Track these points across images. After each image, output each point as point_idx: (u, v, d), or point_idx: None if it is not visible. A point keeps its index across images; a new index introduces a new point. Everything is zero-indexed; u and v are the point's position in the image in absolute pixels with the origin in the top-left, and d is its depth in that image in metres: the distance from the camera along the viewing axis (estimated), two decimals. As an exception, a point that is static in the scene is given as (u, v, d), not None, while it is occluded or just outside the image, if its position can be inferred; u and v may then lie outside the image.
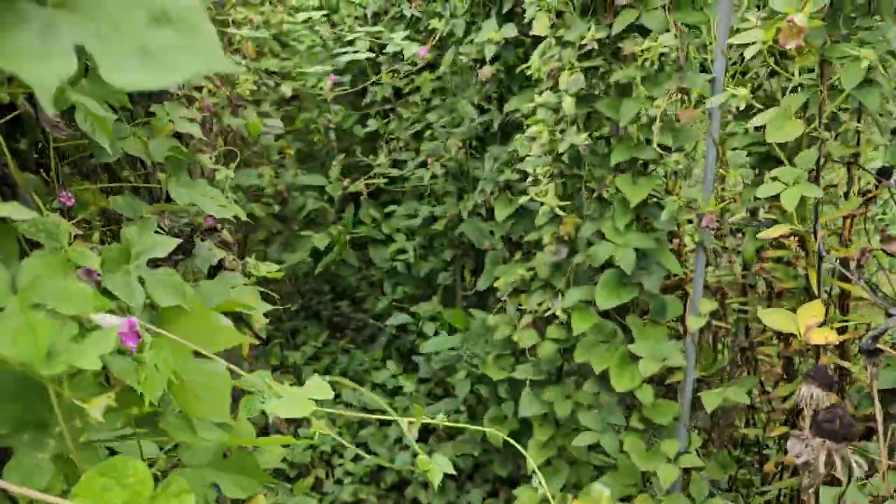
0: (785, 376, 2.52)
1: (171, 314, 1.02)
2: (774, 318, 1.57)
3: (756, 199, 2.20)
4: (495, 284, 2.82)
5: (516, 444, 1.33)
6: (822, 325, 1.61)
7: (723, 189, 2.24)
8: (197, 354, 1.04)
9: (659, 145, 2.09)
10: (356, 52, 2.84)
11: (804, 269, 2.27)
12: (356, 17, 3.23)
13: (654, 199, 2.21)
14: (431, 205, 3.90)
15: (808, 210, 1.74)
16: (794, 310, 2.29)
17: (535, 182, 2.23)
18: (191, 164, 2.18)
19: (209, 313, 1.02)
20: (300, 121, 3.97)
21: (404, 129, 3.74)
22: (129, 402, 0.87)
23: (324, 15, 3.24)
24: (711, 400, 2.02)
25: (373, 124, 3.37)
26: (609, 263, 2.20)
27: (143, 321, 1.00)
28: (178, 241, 1.07)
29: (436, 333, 3.70)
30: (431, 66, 3.46)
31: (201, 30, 0.66)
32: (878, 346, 1.33)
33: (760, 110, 2.17)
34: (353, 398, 3.72)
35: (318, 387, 0.94)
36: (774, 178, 1.52)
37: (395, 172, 3.85)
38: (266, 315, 4.20)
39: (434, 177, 3.52)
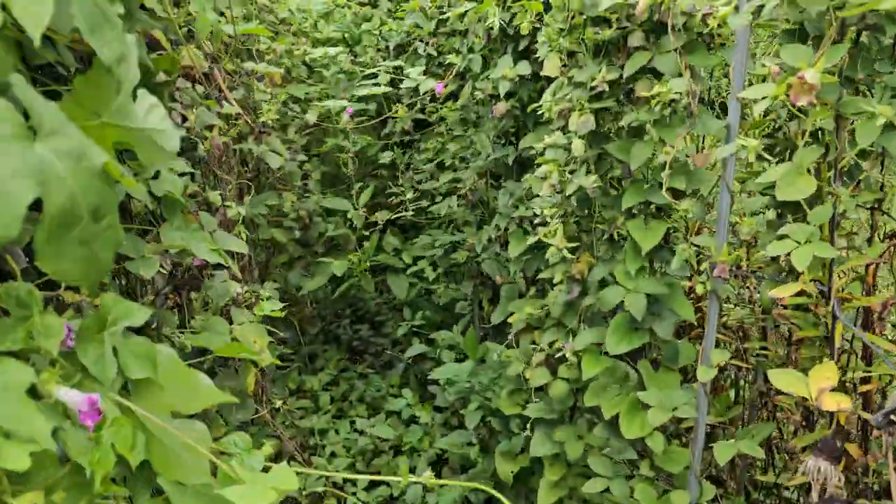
0: (804, 423, 2.43)
1: (141, 384, 0.99)
2: (785, 381, 1.49)
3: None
4: (509, 320, 2.77)
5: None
6: (837, 386, 1.53)
7: (733, 228, 2.17)
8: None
9: (672, 189, 2.03)
10: (376, 84, 2.82)
11: (825, 316, 2.18)
12: (378, 50, 3.22)
13: (668, 245, 2.14)
14: (452, 233, 3.86)
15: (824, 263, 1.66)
16: (814, 359, 2.22)
17: (544, 223, 2.18)
18: (197, 200, 2.18)
19: (189, 374, 0.99)
20: (325, 146, 3.97)
21: (426, 160, 3.71)
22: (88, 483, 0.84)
23: (347, 46, 3.23)
24: (724, 452, 1.95)
25: (389, 156, 3.35)
26: (620, 307, 2.14)
27: (117, 388, 0.98)
28: (149, 311, 1.03)
29: (457, 361, 3.65)
30: (454, 95, 3.44)
31: None
32: (893, 418, 1.25)
33: (781, 152, 2.10)
34: (367, 425, 3.68)
35: (284, 475, 0.90)
36: (785, 236, 1.45)
37: (419, 203, 3.82)
38: (283, 340, 4.18)
39: (457, 207, 3.48)
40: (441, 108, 3.51)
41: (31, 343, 0.88)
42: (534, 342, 2.68)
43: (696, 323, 2.15)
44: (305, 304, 4.60)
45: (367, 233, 4.09)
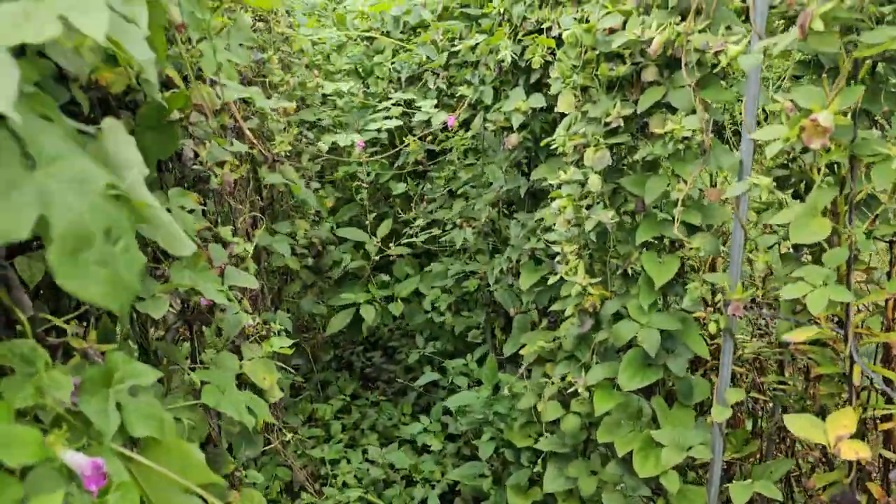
0: (823, 460, 2.38)
1: (148, 442, 0.98)
2: (801, 426, 1.46)
3: (790, 274, 2.10)
4: (521, 352, 2.74)
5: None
6: (857, 426, 1.50)
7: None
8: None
9: (685, 223, 2.00)
10: (388, 117, 2.82)
11: (843, 351, 2.14)
12: (390, 81, 3.23)
13: (683, 280, 2.11)
14: (465, 262, 3.85)
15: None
16: (832, 395, 2.18)
17: (563, 259, 2.16)
18: (209, 231, 2.17)
19: (185, 448, 0.98)
20: (338, 174, 3.97)
21: (438, 189, 3.71)
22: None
23: (359, 77, 3.24)
24: (741, 494, 1.90)
25: (402, 187, 3.35)
26: (633, 342, 2.11)
27: (117, 445, 0.96)
28: (158, 374, 1.02)
29: (469, 387, 3.62)
30: (465, 123, 3.44)
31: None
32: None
33: (796, 183, 2.08)
34: (379, 455, 3.65)
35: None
36: (800, 279, 1.42)
37: (431, 231, 3.81)
38: (296, 367, 4.15)
39: (469, 237, 3.47)
40: (453, 138, 3.50)
41: (39, 400, 0.87)
42: (546, 374, 2.66)
43: (709, 359, 2.12)
44: (318, 330, 4.59)
45: (377, 258, 4.08)
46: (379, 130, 2.80)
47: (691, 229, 2.02)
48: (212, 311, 2.07)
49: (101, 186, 0.82)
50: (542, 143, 2.25)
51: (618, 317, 2.24)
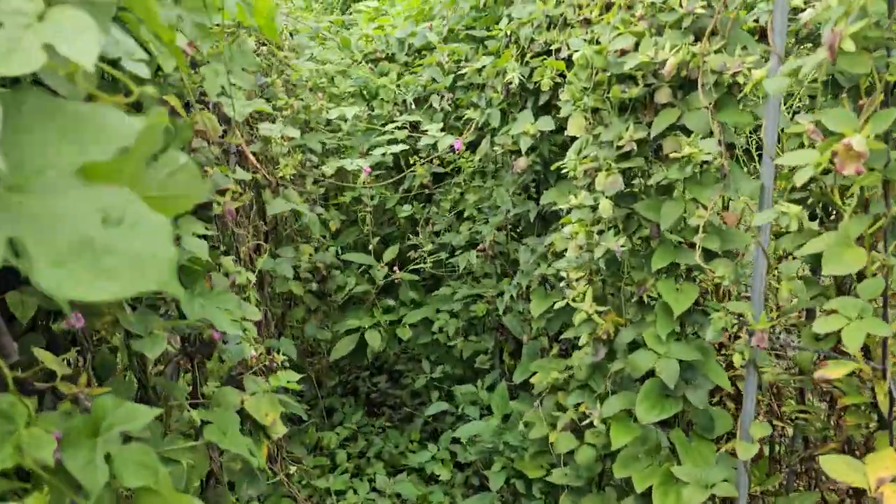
0: (851, 493, 2.28)
1: (141, 493, 0.90)
2: (838, 469, 1.37)
3: (814, 297, 2.02)
4: (531, 381, 2.66)
5: None
6: None
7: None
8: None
9: (704, 250, 1.93)
10: (393, 141, 2.76)
11: (870, 380, 2.05)
12: (395, 104, 3.17)
13: (701, 307, 2.03)
14: (472, 286, 3.77)
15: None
16: (860, 427, 2.08)
17: (571, 285, 2.08)
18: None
19: (182, 499, 0.90)
20: (343, 198, 3.91)
21: (445, 212, 3.64)
22: None
23: (364, 100, 3.18)
24: (766, 531, 1.81)
25: (408, 210, 3.27)
26: (651, 372, 2.03)
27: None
28: (159, 411, 0.94)
29: (481, 416, 3.53)
30: (472, 145, 3.38)
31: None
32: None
33: (814, 203, 2.00)
34: (386, 485, 3.55)
35: None
36: (833, 311, 1.34)
37: (438, 255, 3.75)
38: (301, 393, 4.06)
39: (476, 259, 3.40)
40: (459, 160, 3.44)
41: (19, 460, 0.79)
42: (559, 404, 2.57)
43: (731, 391, 2.03)
44: (323, 354, 4.51)
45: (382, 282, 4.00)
46: (384, 154, 2.73)
47: (709, 255, 1.94)
48: (213, 343, 2.00)
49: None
50: (552, 168, 2.18)
51: (633, 346, 2.16)
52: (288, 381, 2.02)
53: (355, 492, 3.55)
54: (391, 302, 4.08)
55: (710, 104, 1.72)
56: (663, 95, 1.92)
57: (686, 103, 1.89)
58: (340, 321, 4.03)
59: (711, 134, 1.74)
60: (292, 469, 2.78)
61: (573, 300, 2.05)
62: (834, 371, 1.42)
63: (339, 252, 4.11)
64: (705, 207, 1.70)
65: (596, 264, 2.08)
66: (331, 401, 4.44)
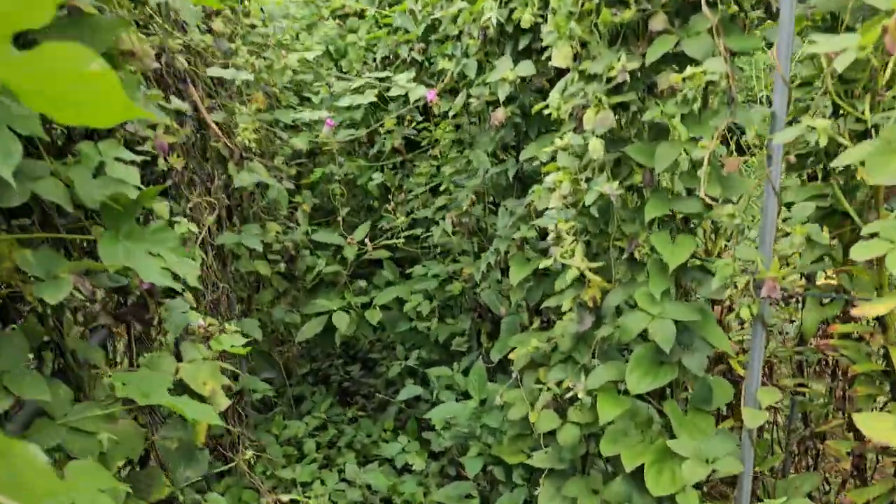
0: (855, 473, 2.05)
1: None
2: (876, 428, 1.13)
3: (815, 262, 1.78)
4: (510, 356, 2.40)
5: None
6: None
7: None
8: None
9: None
10: (357, 92, 2.49)
11: (882, 347, 1.82)
12: (365, 63, 2.91)
13: (697, 262, 1.79)
14: (448, 264, 3.51)
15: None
16: (871, 398, 1.85)
17: (558, 240, 1.83)
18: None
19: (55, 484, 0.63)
20: (314, 175, 3.63)
21: (422, 184, 3.38)
22: None
23: (332, 60, 2.92)
24: (773, 515, 1.56)
25: (380, 178, 3.01)
26: (643, 337, 1.78)
27: None
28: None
29: (457, 402, 3.27)
30: (449, 115, 3.13)
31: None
32: None
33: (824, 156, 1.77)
34: (356, 475, 3.27)
35: None
36: (873, 235, 1.10)
37: (413, 231, 3.49)
38: (269, 381, 3.78)
39: (451, 233, 3.14)
40: (435, 129, 3.19)
41: None
42: (539, 381, 2.32)
43: (730, 354, 1.79)
44: (293, 342, 4.23)
45: (355, 263, 3.73)
46: (349, 108, 2.47)
47: (707, 206, 1.70)
48: (146, 306, 1.72)
49: None
50: (533, 110, 1.93)
51: (620, 312, 1.92)
52: (232, 346, 1.75)
53: (323, 483, 3.27)
54: (363, 283, 3.82)
55: (716, 21, 1.47)
56: (658, 22, 1.67)
57: (685, 30, 1.65)
58: (309, 304, 3.75)
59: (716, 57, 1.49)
60: (248, 454, 2.49)
61: (561, 257, 1.80)
62: (874, 308, 1.17)
63: (310, 232, 3.84)
64: (712, 139, 1.45)
65: (581, 221, 1.82)
66: (301, 389, 4.16)
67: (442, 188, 3.29)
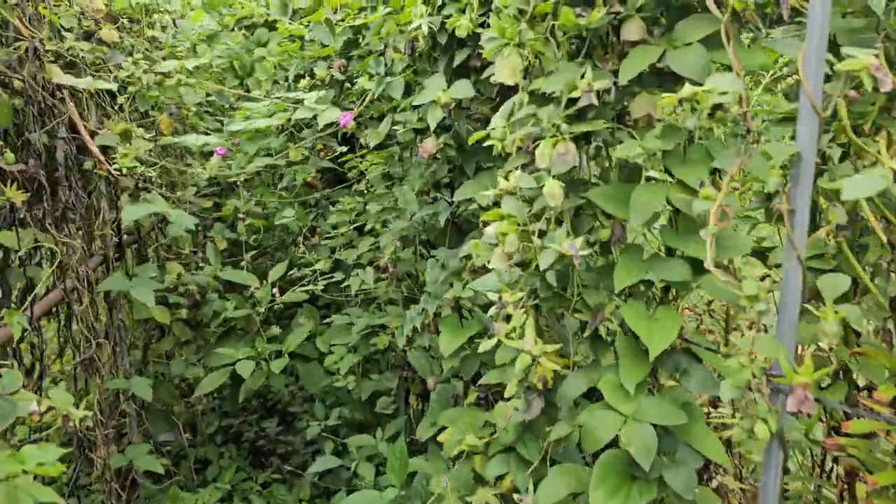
0: None
1: None
2: None
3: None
4: (439, 438, 1.91)
5: None
6: None
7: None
8: None
9: (688, 259, 1.25)
10: (260, 114, 1.99)
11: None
12: (275, 82, 2.42)
13: (680, 342, 1.34)
14: (373, 312, 3.01)
15: None
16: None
17: (503, 315, 1.35)
18: None
19: None
20: (226, 209, 3.09)
21: (346, 222, 2.89)
22: None
23: (237, 77, 2.42)
24: None
25: (290, 215, 2.49)
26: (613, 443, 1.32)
27: None
28: None
29: (377, 474, 2.75)
30: (380, 147, 2.65)
31: None
32: None
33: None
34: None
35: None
36: None
37: (332, 276, 2.98)
38: (164, 444, 3.15)
39: (378, 280, 2.65)
40: (362, 161, 2.70)
41: None
42: (476, 473, 1.83)
43: (726, 467, 1.34)
44: (198, 397, 3.64)
45: (268, 308, 3.19)
46: (234, 133, 1.96)
47: (694, 265, 1.26)
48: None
49: None
50: (470, 140, 1.46)
51: (585, 396, 1.45)
52: (39, 465, 1.20)
53: (220, 570, 2.70)
54: (277, 330, 3.27)
55: (726, 22, 1.03)
56: (633, 30, 1.23)
57: (669, 39, 1.21)
58: (213, 355, 3.19)
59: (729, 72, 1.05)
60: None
61: (506, 336, 1.33)
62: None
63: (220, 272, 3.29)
64: (723, 177, 1.00)
65: (531, 283, 1.36)
66: (206, 451, 3.56)
67: (367, 227, 2.80)
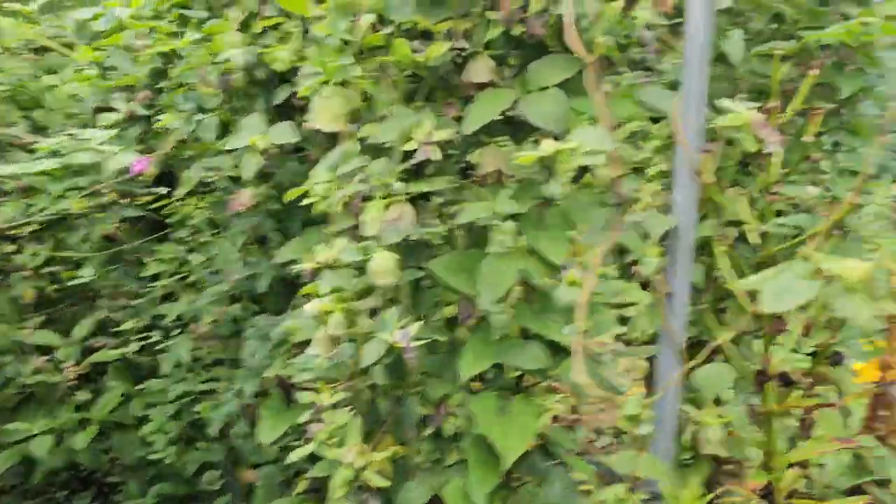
0: None
1: None
2: None
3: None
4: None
5: None
6: None
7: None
8: None
9: (544, 341, 1.02)
10: (38, 159, 1.59)
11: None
12: (70, 116, 2.02)
13: (545, 444, 1.10)
14: (197, 375, 2.60)
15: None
16: None
17: (320, 416, 1.06)
18: None
19: None
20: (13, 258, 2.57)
21: (167, 272, 2.48)
22: None
23: (21, 110, 1.99)
24: None
25: (89, 274, 2.07)
26: (460, 569, 1.05)
27: None
28: None
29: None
30: (204, 188, 2.29)
31: None
32: None
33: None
34: None
35: None
36: None
37: (148, 335, 2.55)
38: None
39: (196, 349, 2.27)
40: (183, 206, 2.32)
41: None
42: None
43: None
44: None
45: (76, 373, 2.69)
46: (17, 177, 1.57)
47: (554, 349, 1.03)
48: None
49: None
50: (286, 197, 1.17)
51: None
52: None
53: None
54: (87, 394, 2.77)
55: (593, 62, 0.82)
56: (480, 69, 1.00)
57: (522, 82, 0.99)
58: (3, 429, 2.63)
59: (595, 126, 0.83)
60: None
61: (325, 444, 1.04)
62: None
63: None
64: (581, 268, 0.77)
65: (363, 378, 1.08)
66: (-5, 541, 2.94)
67: (190, 279, 2.41)
